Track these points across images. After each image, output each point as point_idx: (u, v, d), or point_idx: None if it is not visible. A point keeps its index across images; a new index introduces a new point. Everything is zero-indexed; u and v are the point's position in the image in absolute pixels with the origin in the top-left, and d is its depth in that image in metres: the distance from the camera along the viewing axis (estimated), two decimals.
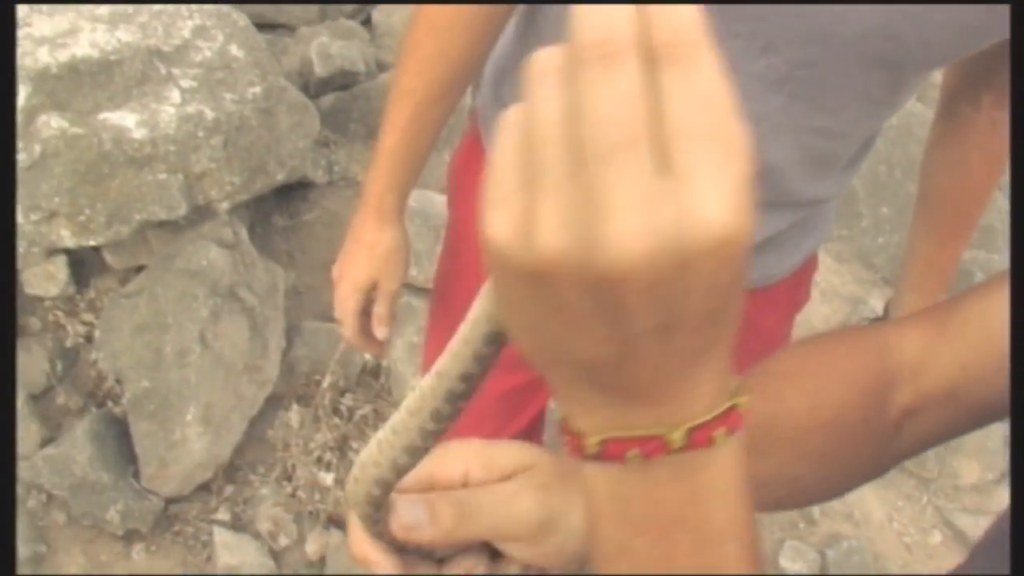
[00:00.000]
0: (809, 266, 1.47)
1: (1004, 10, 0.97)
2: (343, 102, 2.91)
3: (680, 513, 0.48)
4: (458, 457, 0.72)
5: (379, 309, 1.45)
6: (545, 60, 0.40)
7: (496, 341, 0.54)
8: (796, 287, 1.46)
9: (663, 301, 0.39)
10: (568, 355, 0.44)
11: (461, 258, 1.55)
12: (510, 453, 0.73)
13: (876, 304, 3.07)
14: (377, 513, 0.66)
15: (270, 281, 2.46)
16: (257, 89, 2.40)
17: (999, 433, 2.86)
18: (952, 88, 1.40)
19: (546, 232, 0.39)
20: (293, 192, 2.71)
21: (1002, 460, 2.90)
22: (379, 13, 3.20)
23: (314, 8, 3.07)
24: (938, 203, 1.48)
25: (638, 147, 0.37)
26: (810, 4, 1.02)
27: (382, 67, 3.04)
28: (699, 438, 0.46)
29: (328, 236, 2.69)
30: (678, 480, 0.47)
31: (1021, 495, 0.59)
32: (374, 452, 0.63)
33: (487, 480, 0.71)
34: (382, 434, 0.62)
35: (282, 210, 2.72)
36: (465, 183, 1.50)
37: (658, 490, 0.47)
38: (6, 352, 1.05)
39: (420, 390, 0.59)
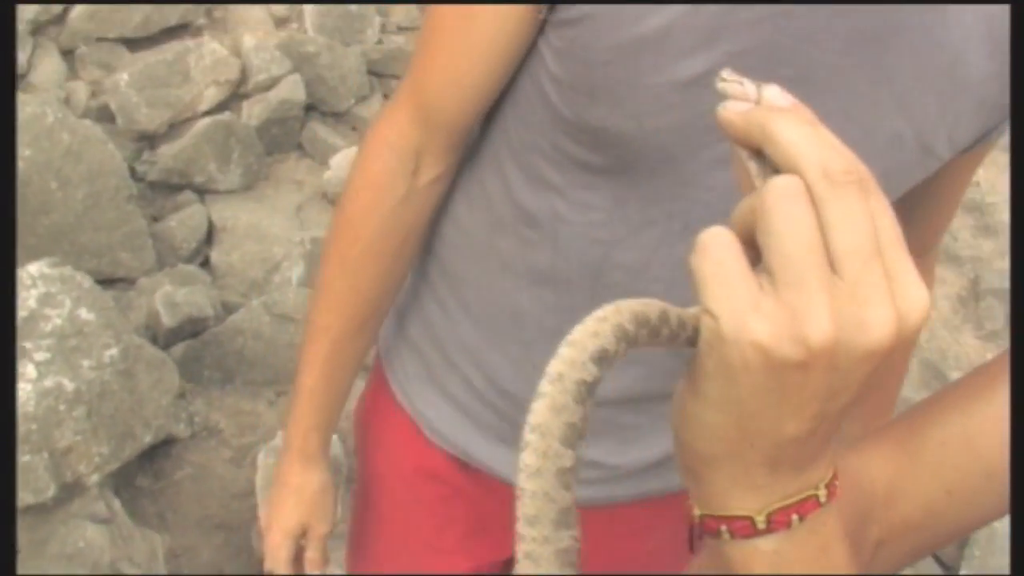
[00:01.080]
0: None
1: (911, 149, 1.01)
2: (194, 350, 2.83)
3: (818, 561, 0.56)
4: None
5: (311, 553, 1.41)
6: (786, 187, 0.49)
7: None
8: None
9: (877, 374, 0.50)
10: (775, 436, 0.52)
11: (379, 508, 1.50)
12: None
13: None
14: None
15: (148, 549, 2.32)
16: (114, 351, 2.31)
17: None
18: None
19: (818, 324, 0.47)
20: (157, 451, 2.60)
21: None
22: (217, 253, 3.16)
23: (151, 257, 3.01)
24: None
25: (879, 253, 0.48)
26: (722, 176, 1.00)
27: (228, 308, 2.99)
28: (832, 492, 0.56)
29: (198, 491, 2.57)
30: (814, 534, 0.56)
31: (1021, 494, 0.65)
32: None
33: None
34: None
35: (146, 471, 2.60)
36: (378, 427, 1.46)
37: (804, 547, 0.56)
38: None
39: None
